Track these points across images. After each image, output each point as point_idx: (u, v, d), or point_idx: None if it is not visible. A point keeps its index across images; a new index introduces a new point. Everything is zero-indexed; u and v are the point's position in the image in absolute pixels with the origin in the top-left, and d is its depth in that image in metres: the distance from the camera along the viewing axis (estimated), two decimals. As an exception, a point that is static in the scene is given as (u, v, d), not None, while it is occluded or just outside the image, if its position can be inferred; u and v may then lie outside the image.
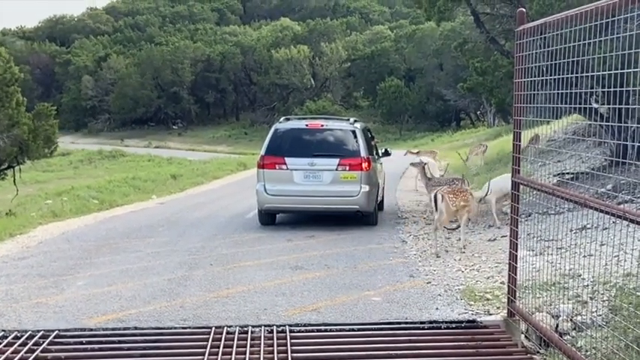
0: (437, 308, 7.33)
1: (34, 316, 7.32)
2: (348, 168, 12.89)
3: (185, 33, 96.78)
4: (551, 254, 7.54)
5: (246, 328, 6.12)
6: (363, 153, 13.01)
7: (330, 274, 9.14)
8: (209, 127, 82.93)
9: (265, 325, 6.22)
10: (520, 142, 5.86)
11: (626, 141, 8.56)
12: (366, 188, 12.87)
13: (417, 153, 27.27)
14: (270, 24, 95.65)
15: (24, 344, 5.70)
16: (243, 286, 8.48)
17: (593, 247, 7.26)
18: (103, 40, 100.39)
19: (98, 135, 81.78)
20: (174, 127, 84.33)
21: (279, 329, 6.08)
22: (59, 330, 6.10)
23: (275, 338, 5.87)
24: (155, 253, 10.99)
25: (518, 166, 5.87)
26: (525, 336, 5.86)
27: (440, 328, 6.18)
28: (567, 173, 11.62)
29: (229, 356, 5.48)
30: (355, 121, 14.17)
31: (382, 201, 15.46)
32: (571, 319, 5.85)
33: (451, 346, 5.75)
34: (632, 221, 4.08)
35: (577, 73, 4.88)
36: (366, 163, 12.96)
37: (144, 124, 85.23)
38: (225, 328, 6.14)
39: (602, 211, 4.47)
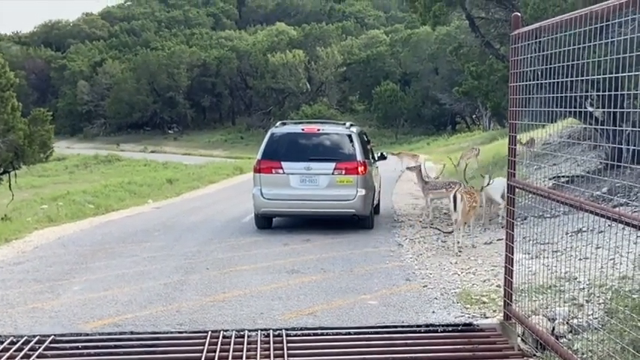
0: (433, 312, 7.33)
1: (29, 321, 7.31)
2: (344, 172, 12.90)
3: (181, 38, 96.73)
4: (547, 257, 7.55)
5: (242, 333, 6.12)
6: (359, 157, 13.03)
7: (327, 277, 9.14)
8: (205, 131, 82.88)
9: (262, 329, 6.22)
10: (515, 145, 5.88)
11: (621, 144, 8.60)
12: (362, 192, 12.89)
13: (398, 154, 27.41)
14: (265, 28, 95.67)
15: (20, 349, 5.69)
16: (240, 290, 8.47)
17: (588, 250, 7.28)
18: (98, 45, 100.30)
19: (94, 140, 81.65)
20: (170, 131, 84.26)
21: (276, 333, 6.07)
22: (55, 335, 6.09)
23: (271, 342, 5.87)
24: (151, 257, 10.98)
25: (514, 170, 5.88)
26: (522, 339, 5.86)
27: (436, 331, 6.19)
28: (563, 176, 11.65)
29: (226, 360, 5.48)
30: (351, 125, 14.19)
31: (378, 204, 15.47)
32: (567, 322, 5.86)
33: (448, 350, 5.76)
34: (627, 224, 4.09)
35: (572, 77, 4.90)
36: (362, 167, 12.98)
37: (140, 128, 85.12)
38: (222, 332, 6.14)
39: (597, 214, 4.48)
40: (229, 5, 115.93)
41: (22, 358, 5.53)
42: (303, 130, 13.65)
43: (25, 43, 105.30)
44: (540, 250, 7.92)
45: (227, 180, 30.14)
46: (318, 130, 13.57)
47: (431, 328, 6.26)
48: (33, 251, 11.93)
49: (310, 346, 5.86)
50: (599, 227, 7.49)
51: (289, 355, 5.60)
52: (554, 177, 12.12)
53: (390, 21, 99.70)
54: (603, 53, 4.58)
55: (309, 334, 6.15)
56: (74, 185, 32.18)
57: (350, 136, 13.29)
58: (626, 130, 5.76)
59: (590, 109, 10.86)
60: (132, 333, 6.38)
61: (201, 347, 5.80)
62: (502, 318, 6.19)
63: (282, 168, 13.00)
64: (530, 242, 7.91)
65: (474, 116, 61.53)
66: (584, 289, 6.64)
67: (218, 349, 5.74)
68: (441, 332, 6.16)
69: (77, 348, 5.80)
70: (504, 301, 6.11)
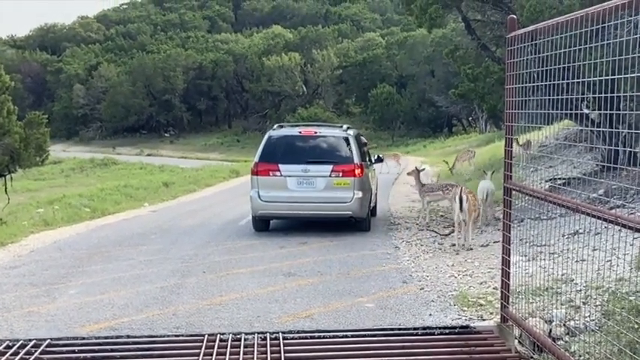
0: (430, 314, 7.33)
1: (26, 324, 7.28)
2: (341, 174, 12.94)
3: (177, 41, 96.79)
4: (544, 259, 7.55)
5: (239, 336, 6.11)
6: (356, 159, 13.06)
7: (323, 280, 9.14)
8: (201, 134, 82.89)
9: (258, 333, 6.21)
10: (512, 147, 5.88)
11: (617, 146, 8.61)
12: (359, 194, 12.92)
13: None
14: (261, 31, 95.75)
15: (16, 353, 5.67)
16: (236, 294, 8.46)
17: (585, 252, 7.28)
18: (94, 48, 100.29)
19: (90, 143, 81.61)
20: (166, 134, 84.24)
21: (273, 336, 6.06)
22: (51, 339, 6.07)
23: (268, 345, 5.86)
24: (147, 261, 10.96)
25: (510, 172, 5.88)
26: (519, 341, 5.86)
27: (433, 334, 6.18)
28: (559, 179, 11.66)
29: (223, 364, 5.46)
30: (348, 127, 14.24)
31: (375, 207, 15.49)
32: (564, 324, 5.86)
33: (445, 352, 5.75)
34: (624, 226, 4.09)
35: (568, 79, 4.90)
36: (359, 170, 13.02)
37: (136, 132, 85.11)
38: (218, 335, 6.13)
39: (594, 216, 4.48)
40: (225, 8, 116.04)
41: (18, 362, 5.51)
42: (300, 132, 13.69)
43: (21, 46, 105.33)
44: (537, 253, 7.92)
45: (223, 183, 30.13)
46: (316, 132, 13.60)
47: (428, 331, 6.26)
48: (29, 255, 11.90)
49: (307, 349, 5.85)
50: (596, 229, 7.49)
51: (286, 359, 5.59)
52: (550, 179, 12.13)
53: (386, 24, 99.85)
54: (599, 55, 4.58)
55: (306, 337, 6.14)
56: (70, 189, 32.10)
57: (347, 139, 13.33)
58: (622, 132, 5.76)
59: (586, 111, 10.87)
60: (128, 337, 6.36)
61: (197, 351, 5.79)
62: (499, 320, 6.19)
63: (279, 170, 13.04)
64: (527, 244, 7.91)
65: (470, 118, 61.61)
66: (581, 291, 6.64)
67: (215, 353, 5.73)
68: (438, 335, 6.16)
69: (73, 352, 5.78)
70: (501, 303, 6.10)
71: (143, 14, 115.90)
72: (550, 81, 5.03)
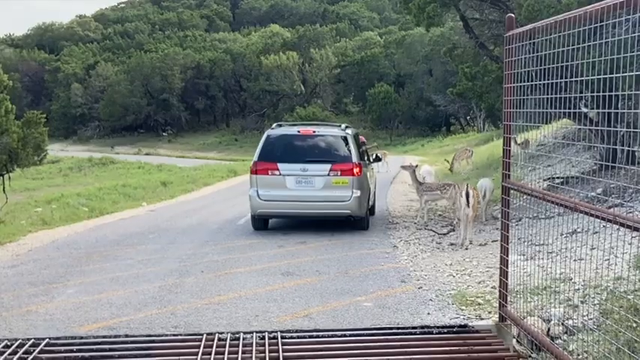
0: (428, 313, 7.33)
1: (24, 324, 7.28)
2: (339, 173, 12.97)
3: (174, 40, 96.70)
4: (542, 258, 7.56)
5: (237, 335, 6.10)
6: (355, 158, 13.10)
7: (322, 279, 9.14)
8: (199, 133, 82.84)
9: (257, 332, 6.20)
10: (510, 146, 5.89)
11: (616, 145, 8.62)
12: (357, 193, 12.94)
13: None
14: (259, 30, 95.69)
15: (14, 352, 5.67)
16: (235, 293, 8.46)
17: (583, 251, 7.29)
18: (92, 47, 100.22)
19: (88, 142, 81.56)
20: (164, 133, 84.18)
21: (271, 335, 6.06)
22: (50, 338, 6.06)
23: (267, 344, 5.86)
24: (146, 260, 10.95)
25: (509, 171, 5.88)
26: (517, 340, 5.86)
27: (432, 333, 6.18)
28: (557, 177, 11.67)
29: (221, 363, 5.46)
30: (346, 127, 14.26)
31: (374, 206, 15.50)
32: (562, 323, 5.86)
33: (443, 351, 5.75)
34: (622, 225, 4.09)
35: (566, 77, 4.90)
36: (358, 169, 13.04)
37: (134, 131, 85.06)
38: (217, 334, 6.12)
39: (592, 215, 4.48)
40: (223, 7, 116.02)
41: (16, 361, 5.50)
42: (299, 131, 13.71)
43: (19, 45, 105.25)
44: (535, 252, 7.93)
45: (221, 182, 30.11)
46: (314, 131, 13.63)
47: (426, 330, 6.26)
48: (27, 254, 11.89)
49: (305, 348, 5.85)
50: (594, 228, 7.50)
51: (285, 358, 5.59)
52: (548, 178, 12.14)
53: (384, 22, 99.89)
54: (597, 54, 4.59)
55: (304, 337, 6.14)
56: (68, 188, 32.07)
57: (345, 138, 13.36)
58: (620, 130, 5.77)
59: (584, 109, 10.88)
60: (126, 336, 6.36)
61: (196, 350, 5.79)
62: (497, 319, 6.19)
63: (278, 169, 13.07)
64: (525, 243, 7.91)
65: (468, 117, 61.62)
66: (579, 289, 6.64)
67: (213, 352, 5.73)
68: (436, 334, 6.16)
69: (72, 351, 5.78)
70: (499, 302, 6.11)
71: (141, 13, 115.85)
72: (548, 80, 5.03)
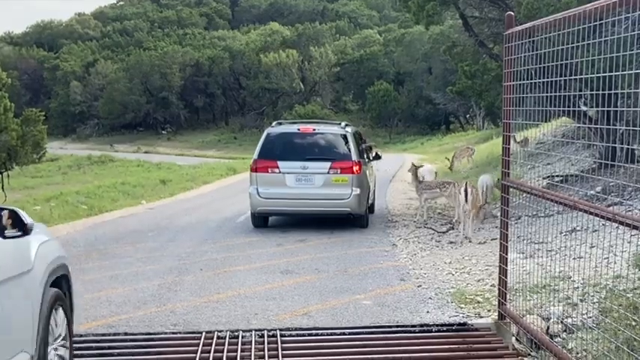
0: (428, 311, 7.33)
1: (23, 322, 7.26)
2: (339, 171, 12.99)
3: (173, 38, 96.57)
4: (541, 257, 7.56)
5: (236, 333, 6.11)
6: (354, 156, 13.12)
7: (321, 278, 9.13)
8: (198, 131, 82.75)
9: (256, 330, 6.21)
10: (509, 145, 5.89)
11: (615, 143, 8.62)
12: (357, 191, 12.96)
13: None
14: (258, 28, 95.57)
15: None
16: (234, 291, 8.46)
17: (582, 249, 7.29)
18: (91, 45, 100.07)
19: (87, 140, 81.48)
20: (163, 132, 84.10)
21: (270, 334, 6.07)
22: (49, 336, 6.05)
23: (266, 343, 5.86)
24: (145, 258, 10.95)
25: (508, 169, 5.88)
26: (516, 338, 5.87)
27: (431, 331, 6.19)
28: (557, 176, 11.67)
29: (220, 361, 5.46)
30: (346, 125, 14.28)
31: (373, 204, 15.51)
32: (561, 322, 5.87)
33: (442, 349, 5.75)
34: (621, 223, 4.09)
35: (565, 76, 4.90)
36: (357, 167, 13.06)
37: (133, 129, 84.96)
38: (216, 332, 6.13)
39: (591, 213, 4.48)
40: (222, 5, 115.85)
41: None
42: (299, 129, 13.74)
43: (18, 43, 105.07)
44: (534, 250, 7.93)
45: (221, 180, 30.10)
46: (314, 129, 13.66)
47: (425, 328, 6.27)
48: (26, 252, 11.86)
49: (304, 347, 5.86)
50: (593, 226, 7.50)
51: (283, 356, 5.59)
52: (548, 176, 12.14)
53: (383, 20, 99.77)
54: (597, 52, 4.58)
55: (303, 335, 6.15)
56: (67, 186, 32.05)
57: (345, 136, 13.38)
58: (619, 129, 5.76)
59: (584, 108, 10.88)
60: (126, 334, 6.36)
61: (195, 348, 5.79)
62: (496, 317, 6.20)
63: (278, 167, 13.10)
64: (525, 242, 7.91)
65: (467, 116, 61.63)
66: (578, 288, 6.64)
67: (212, 350, 5.73)
68: (436, 332, 6.17)
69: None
70: (499, 300, 6.11)
71: (140, 11, 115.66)
72: (548, 78, 5.03)
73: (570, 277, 6.92)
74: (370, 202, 14.62)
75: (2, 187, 20.53)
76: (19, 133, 19.54)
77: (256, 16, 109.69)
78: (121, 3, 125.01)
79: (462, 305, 7.43)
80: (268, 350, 5.70)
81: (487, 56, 17.25)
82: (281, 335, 6.03)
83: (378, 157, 16.03)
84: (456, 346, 5.81)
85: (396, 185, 22.99)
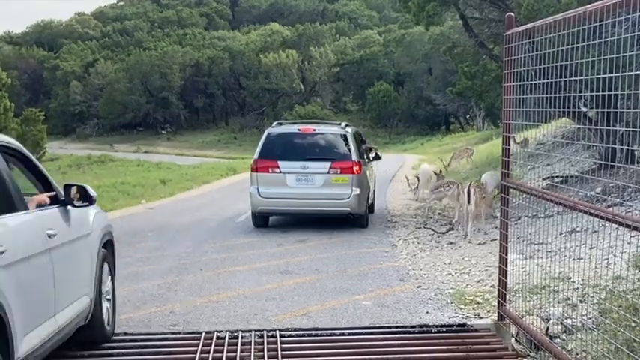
0: (427, 312, 7.33)
1: (22, 322, 7.26)
2: (339, 171, 13.02)
3: (173, 38, 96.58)
4: (541, 257, 7.56)
5: (236, 333, 6.11)
6: (355, 157, 13.14)
7: (321, 278, 9.14)
8: (198, 131, 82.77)
9: (255, 330, 6.21)
10: (509, 145, 5.89)
11: (615, 144, 8.62)
12: (357, 191, 12.98)
13: None
14: (258, 29, 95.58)
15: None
16: (233, 291, 8.46)
17: (582, 250, 7.29)
18: (91, 45, 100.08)
19: (87, 140, 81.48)
20: (163, 132, 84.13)
21: (270, 334, 6.07)
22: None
23: (265, 343, 5.86)
24: (145, 258, 10.94)
25: (508, 170, 5.89)
26: (516, 339, 5.87)
27: (430, 331, 6.19)
28: (557, 177, 11.67)
29: (220, 361, 5.47)
30: (346, 125, 14.31)
31: (373, 204, 15.52)
32: (561, 322, 5.87)
33: (442, 350, 5.76)
34: (621, 224, 4.10)
35: (565, 77, 4.90)
36: (357, 167, 13.08)
37: (133, 129, 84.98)
38: (216, 333, 6.13)
39: (591, 214, 4.49)
40: (222, 5, 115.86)
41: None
42: (299, 130, 13.77)
43: (18, 43, 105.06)
44: (534, 251, 7.93)
45: (220, 181, 30.11)
46: (314, 130, 13.70)
47: (425, 329, 6.27)
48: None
49: (304, 347, 5.86)
50: (593, 227, 7.50)
51: (283, 356, 5.59)
52: (548, 177, 12.14)
53: (383, 21, 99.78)
54: (597, 53, 4.59)
55: (302, 335, 6.15)
56: (67, 186, 32.00)
57: (345, 136, 13.41)
58: (619, 130, 5.77)
59: (583, 109, 10.88)
60: (125, 334, 6.36)
61: (194, 348, 5.79)
62: (496, 318, 6.20)
63: (278, 167, 13.13)
64: (524, 242, 7.92)
65: (467, 116, 61.65)
66: (578, 289, 6.64)
67: (212, 350, 5.73)
68: (435, 332, 6.17)
69: (69, 349, 5.77)
70: (498, 301, 6.11)
71: (140, 11, 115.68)
72: (548, 79, 5.03)
73: (570, 278, 6.92)
74: (370, 202, 14.64)
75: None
76: (19, 133, 19.57)
77: (256, 16, 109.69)
78: (121, 3, 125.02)
79: (462, 306, 7.44)
80: (268, 350, 5.70)
81: (487, 57, 17.25)
82: (280, 335, 6.03)
83: (378, 157, 16.04)
84: (456, 346, 5.81)
85: (395, 186, 22.98)
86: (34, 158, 5.63)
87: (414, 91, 69.28)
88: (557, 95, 5.07)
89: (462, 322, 6.53)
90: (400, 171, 27.21)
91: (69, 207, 5.53)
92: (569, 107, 8.14)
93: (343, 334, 6.15)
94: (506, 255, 5.92)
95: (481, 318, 6.83)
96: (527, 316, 5.90)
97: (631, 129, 4.79)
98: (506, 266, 5.91)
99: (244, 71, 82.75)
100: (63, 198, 5.54)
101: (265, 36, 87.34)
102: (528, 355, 5.59)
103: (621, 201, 9.17)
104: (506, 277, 5.94)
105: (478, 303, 7.46)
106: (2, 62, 72.14)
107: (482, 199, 12.10)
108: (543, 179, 11.21)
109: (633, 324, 5.11)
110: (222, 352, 5.71)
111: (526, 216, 9.71)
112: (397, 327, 6.48)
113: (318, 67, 77.78)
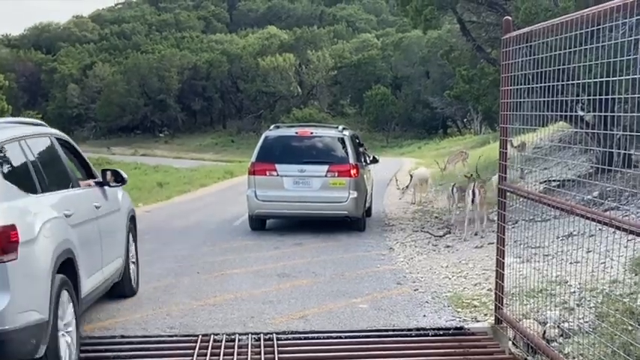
0: (424, 315, 7.33)
1: (19, 325, 7.24)
2: (337, 174, 13.01)
3: (171, 41, 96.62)
4: (538, 261, 7.56)
5: (233, 336, 6.10)
6: (352, 160, 13.14)
7: (318, 281, 9.13)
8: (196, 134, 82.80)
9: (252, 333, 6.20)
10: (506, 149, 5.89)
11: (612, 148, 8.63)
12: (354, 194, 12.97)
13: None
14: (256, 32, 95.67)
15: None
16: (230, 294, 8.45)
17: (579, 254, 7.30)
18: (88, 48, 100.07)
19: (84, 143, 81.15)
20: (160, 134, 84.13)
21: (267, 337, 6.06)
22: (44, 339, 6.05)
23: (262, 346, 5.85)
24: (141, 260, 10.89)
25: (505, 174, 5.89)
26: (513, 343, 5.87)
27: (427, 335, 6.19)
28: (554, 180, 11.68)
29: (216, 364, 5.46)
30: (344, 128, 14.31)
31: (370, 207, 15.51)
32: (558, 326, 5.87)
33: (439, 353, 5.76)
34: (618, 228, 4.10)
35: (563, 81, 4.91)
36: (355, 170, 13.08)
37: (130, 131, 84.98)
38: (212, 336, 6.12)
39: (588, 218, 4.49)
40: (220, 8, 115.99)
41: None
42: (296, 133, 13.76)
43: (15, 45, 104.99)
44: (531, 254, 7.94)
45: (218, 184, 30.08)
46: (312, 133, 13.69)
47: (422, 332, 6.27)
48: (22, 255, 11.83)
49: (301, 350, 5.85)
50: (590, 231, 7.51)
51: (280, 359, 5.58)
52: (545, 181, 12.15)
53: (381, 25, 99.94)
54: (594, 57, 4.59)
55: (300, 338, 6.14)
56: (64, 188, 31.95)
57: (343, 140, 13.41)
58: (616, 134, 5.77)
59: (580, 113, 10.90)
60: (122, 337, 6.35)
61: (191, 351, 5.78)
62: (493, 322, 6.20)
63: (276, 170, 13.12)
64: (521, 246, 7.92)
65: (465, 120, 61.69)
66: (575, 292, 6.65)
67: (209, 353, 5.73)
68: (432, 336, 6.17)
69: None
70: (495, 304, 6.11)
71: (138, 14, 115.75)
72: (545, 83, 5.04)
73: (567, 282, 6.93)
74: (367, 205, 14.64)
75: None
76: (16, 136, 19.51)
77: (254, 19, 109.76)
78: (119, 6, 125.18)
79: (459, 309, 7.43)
80: (265, 354, 5.69)
81: (485, 61, 17.26)
82: (277, 339, 6.03)
83: (375, 160, 16.05)
84: (453, 350, 5.81)
85: (393, 189, 22.96)
86: (79, 148, 7.33)
87: (411, 94, 69.38)
88: (555, 99, 5.08)
89: (459, 326, 6.53)
90: (398, 174, 27.20)
91: (105, 187, 7.30)
92: (566, 111, 8.14)
93: (340, 338, 6.14)
94: (504, 258, 5.92)
95: (478, 321, 6.83)
96: (525, 320, 5.90)
97: (628, 133, 4.79)
98: (503, 270, 5.91)
99: (242, 74, 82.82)
100: (100, 180, 7.28)
101: (263, 39, 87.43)
102: (525, 359, 5.58)
103: (618, 205, 9.17)
104: (503, 281, 5.94)
105: (475, 306, 7.46)
106: (0, 65, 72.08)
107: (485, 198, 12.24)
108: (540, 183, 11.23)
109: (630, 328, 5.11)
110: (219, 355, 5.70)
111: (523, 219, 9.72)
112: (394, 330, 6.47)
113: (315, 71, 77.87)
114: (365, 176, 14.22)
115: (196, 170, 37.16)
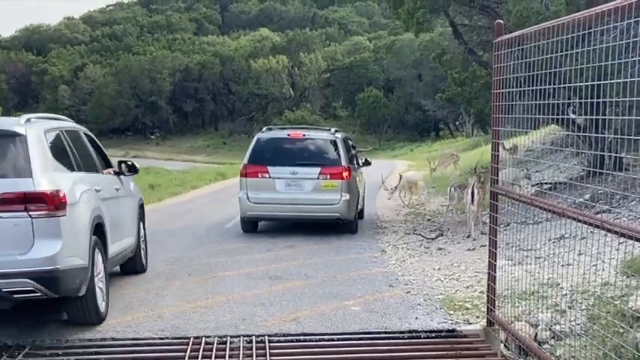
0: (416, 318, 7.33)
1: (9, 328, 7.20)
2: (329, 177, 13.01)
3: (163, 43, 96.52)
4: (530, 264, 7.58)
5: (224, 339, 6.09)
6: (344, 162, 13.14)
7: (310, 284, 9.12)
8: (187, 136, 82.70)
9: (244, 336, 6.19)
10: (498, 152, 5.90)
11: (603, 151, 8.66)
12: (346, 196, 12.97)
13: None
14: (248, 34, 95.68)
15: (-1, 356, 5.66)
16: (222, 297, 8.43)
17: (571, 256, 7.32)
18: (80, 49, 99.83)
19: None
20: (152, 136, 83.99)
21: (258, 339, 6.05)
22: (34, 341, 6.03)
23: (254, 349, 5.84)
24: (133, 263, 10.87)
25: (497, 176, 5.90)
26: (505, 345, 5.88)
27: (419, 337, 6.19)
28: (545, 183, 11.72)
29: (208, 367, 5.44)
30: (336, 131, 14.30)
31: (363, 209, 15.52)
32: (550, 328, 5.88)
33: (431, 356, 5.76)
34: (609, 231, 4.11)
35: (554, 84, 4.92)
36: (347, 172, 13.09)
37: (121, 133, 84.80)
38: (204, 338, 6.11)
39: (580, 220, 4.50)
40: (212, 10, 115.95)
41: (1, 365, 5.51)
42: (289, 135, 13.75)
43: (6, 47, 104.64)
44: (523, 257, 7.95)
45: (210, 186, 30.02)
46: (304, 135, 13.69)
47: (414, 334, 6.27)
48: (13, 257, 11.77)
49: (293, 352, 5.84)
50: (582, 234, 7.53)
51: (272, 362, 5.57)
52: (537, 183, 12.20)
53: (373, 27, 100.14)
54: (585, 61, 4.61)
55: (291, 341, 6.13)
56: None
57: (335, 142, 13.42)
58: (608, 137, 5.80)
59: (572, 116, 10.94)
60: (113, 339, 6.33)
61: (183, 354, 5.77)
62: (485, 324, 6.21)
63: (268, 172, 13.11)
64: (513, 248, 7.94)
65: (457, 123, 61.88)
66: (566, 295, 6.66)
67: (200, 356, 5.71)
68: (424, 338, 6.17)
69: (57, 355, 5.74)
70: (487, 307, 6.12)
71: (129, 16, 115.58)
72: (537, 86, 5.05)
73: (559, 284, 6.94)
74: (360, 207, 14.65)
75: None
76: (7, 137, 19.42)
77: (246, 21, 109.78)
78: (111, 7, 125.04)
79: (451, 312, 7.44)
80: (256, 356, 5.68)
81: (476, 64, 17.32)
82: (269, 341, 6.02)
83: (367, 163, 16.06)
84: (445, 352, 5.81)
85: (385, 192, 22.99)
86: (99, 142, 8.74)
87: (403, 97, 69.53)
88: (547, 102, 5.10)
89: (451, 328, 6.53)
90: (390, 177, 27.22)
91: (121, 176, 8.79)
92: (558, 114, 8.17)
93: (332, 340, 6.13)
94: (496, 261, 5.93)
95: (470, 324, 6.84)
96: (516, 322, 5.91)
97: (619, 136, 4.82)
98: (495, 272, 5.92)
99: (234, 76, 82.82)
100: (117, 170, 8.79)
101: (255, 41, 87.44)
102: (517, 361, 5.59)
103: (610, 207, 9.21)
104: (495, 283, 5.95)
105: (467, 309, 7.47)
106: (-10, 66, 71.81)
107: (483, 198, 12.35)
108: (532, 185, 11.27)
109: (621, 330, 5.13)
110: (210, 357, 5.69)
111: (515, 222, 9.74)
112: (386, 332, 6.47)
113: (308, 73, 77.95)
114: (357, 179, 14.23)
115: (188, 172, 37.08)
